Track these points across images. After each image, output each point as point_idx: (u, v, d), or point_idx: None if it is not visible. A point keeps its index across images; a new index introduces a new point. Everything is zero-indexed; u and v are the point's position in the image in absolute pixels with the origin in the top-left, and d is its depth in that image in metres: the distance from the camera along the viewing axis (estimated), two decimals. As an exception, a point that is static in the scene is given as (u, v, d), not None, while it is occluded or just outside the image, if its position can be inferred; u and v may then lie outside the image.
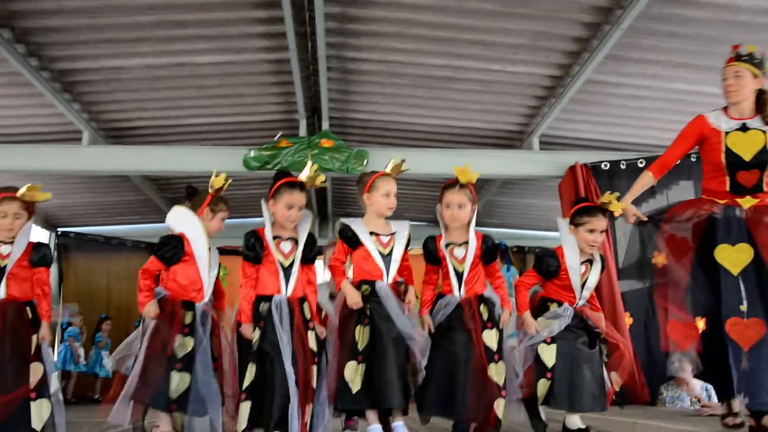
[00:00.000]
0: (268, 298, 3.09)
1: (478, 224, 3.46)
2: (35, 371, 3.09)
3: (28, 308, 3.17)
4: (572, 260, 3.44)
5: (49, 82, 5.53)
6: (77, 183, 8.02)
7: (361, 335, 3.13)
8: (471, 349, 3.15)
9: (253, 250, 3.14)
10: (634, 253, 6.48)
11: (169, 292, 3.18)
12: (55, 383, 3.20)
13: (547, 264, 3.47)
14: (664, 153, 3.64)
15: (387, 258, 3.28)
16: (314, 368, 3.03)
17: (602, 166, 6.46)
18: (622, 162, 6.47)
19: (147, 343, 3.04)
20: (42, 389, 3.09)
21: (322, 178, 3.30)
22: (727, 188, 3.28)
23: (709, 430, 3.29)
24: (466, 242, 3.36)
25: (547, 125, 6.39)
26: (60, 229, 9.35)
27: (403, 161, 3.43)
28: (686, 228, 3.35)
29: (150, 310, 3.09)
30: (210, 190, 3.40)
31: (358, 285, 3.24)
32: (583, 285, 3.46)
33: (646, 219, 3.49)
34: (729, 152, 3.26)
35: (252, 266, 3.16)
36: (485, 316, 3.24)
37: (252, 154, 6.36)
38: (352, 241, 3.31)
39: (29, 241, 3.26)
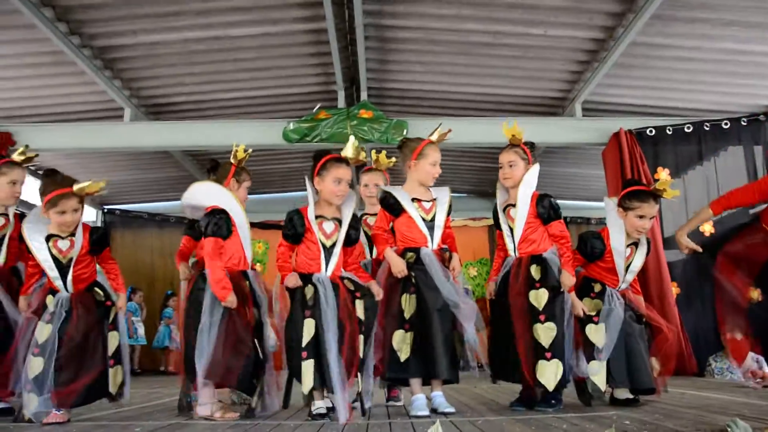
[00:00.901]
0: (308, 277, 3.05)
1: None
2: (113, 340, 3.18)
3: (95, 288, 3.22)
4: (618, 243, 3.36)
5: (91, 60, 5.58)
6: (120, 160, 8.14)
7: (408, 304, 3.12)
8: (511, 310, 3.14)
9: (293, 229, 3.10)
10: (680, 222, 6.39)
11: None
12: (127, 351, 3.31)
13: (591, 246, 3.40)
14: (732, 194, 3.60)
15: (430, 224, 3.25)
16: (361, 337, 2.99)
17: (647, 132, 6.27)
18: (669, 128, 6.28)
19: (226, 327, 3.04)
20: (118, 356, 3.18)
21: (364, 153, 3.26)
22: None
23: (763, 402, 3.19)
24: None
25: (590, 91, 6.21)
26: (106, 207, 9.53)
27: (449, 130, 3.36)
28: (743, 260, 3.40)
29: (234, 300, 3.06)
30: (233, 161, 3.42)
31: (402, 253, 3.21)
32: (627, 268, 3.39)
33: (701, 250, 3.46)
34: None
35: (290, 247, 3.13)
36: (536, 276, 3.18)
37: (291, 126, 6.35)
38: (394, 208, 3.28)
39: (83, 224, 3.27)
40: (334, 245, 3.11)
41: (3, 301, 3.34)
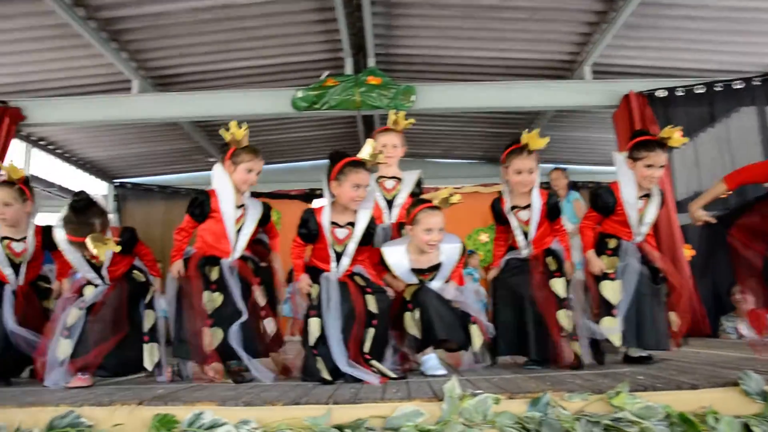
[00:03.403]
0: (319, 272, 3.15)
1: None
2: (149, 318, 3.33)
3: (135, 271, 3.42)
4: (629, 195, 3.39)
5: (97, 32, 5.56)
6: (129, 133, 8.14)
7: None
8: (539, 295, 3.29)
9: (307, 229, 3.18)
10: (693, 185, 6.35)
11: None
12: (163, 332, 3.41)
13: (603, 200, 3.44)
14: (747, 169, 3.61)
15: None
16: (372, 330, 3.02)
17: (658, 93, 6.21)
18: (679, 89, 6.21)
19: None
20: (153, 334, 3.30)
21: (383, 156, 3.27)
22: None
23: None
24: (530, 205, 3.43)
25: (599, 53, 6.14)
26: (117, 180, 9.56)
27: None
28: (759, 232, 3.39)
29: (175, 270, 3.28)
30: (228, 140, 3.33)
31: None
32: (640, 220, 3.40)
33: (714, 221, 3.47)
34: None
35: (304, 244, 3.24)
36: (553, 267, 3.36)
37: (299, 94, 6.33)
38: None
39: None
40: (344, 249, 3.18)
41: None
